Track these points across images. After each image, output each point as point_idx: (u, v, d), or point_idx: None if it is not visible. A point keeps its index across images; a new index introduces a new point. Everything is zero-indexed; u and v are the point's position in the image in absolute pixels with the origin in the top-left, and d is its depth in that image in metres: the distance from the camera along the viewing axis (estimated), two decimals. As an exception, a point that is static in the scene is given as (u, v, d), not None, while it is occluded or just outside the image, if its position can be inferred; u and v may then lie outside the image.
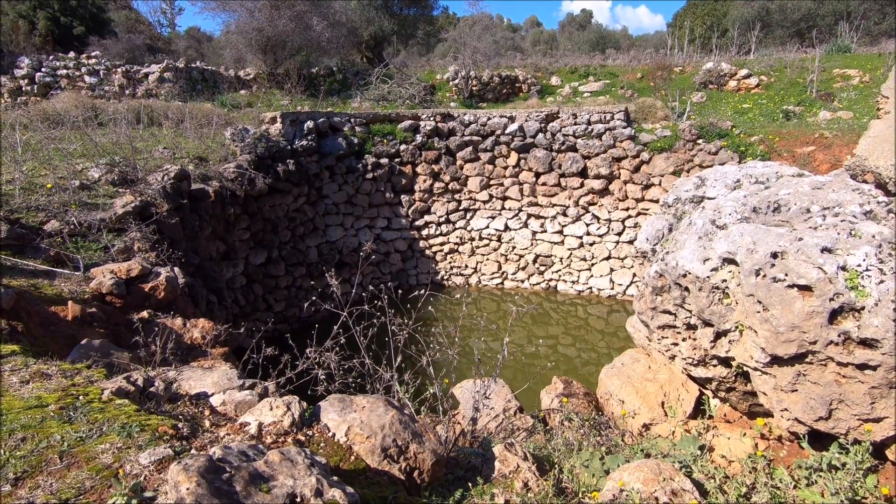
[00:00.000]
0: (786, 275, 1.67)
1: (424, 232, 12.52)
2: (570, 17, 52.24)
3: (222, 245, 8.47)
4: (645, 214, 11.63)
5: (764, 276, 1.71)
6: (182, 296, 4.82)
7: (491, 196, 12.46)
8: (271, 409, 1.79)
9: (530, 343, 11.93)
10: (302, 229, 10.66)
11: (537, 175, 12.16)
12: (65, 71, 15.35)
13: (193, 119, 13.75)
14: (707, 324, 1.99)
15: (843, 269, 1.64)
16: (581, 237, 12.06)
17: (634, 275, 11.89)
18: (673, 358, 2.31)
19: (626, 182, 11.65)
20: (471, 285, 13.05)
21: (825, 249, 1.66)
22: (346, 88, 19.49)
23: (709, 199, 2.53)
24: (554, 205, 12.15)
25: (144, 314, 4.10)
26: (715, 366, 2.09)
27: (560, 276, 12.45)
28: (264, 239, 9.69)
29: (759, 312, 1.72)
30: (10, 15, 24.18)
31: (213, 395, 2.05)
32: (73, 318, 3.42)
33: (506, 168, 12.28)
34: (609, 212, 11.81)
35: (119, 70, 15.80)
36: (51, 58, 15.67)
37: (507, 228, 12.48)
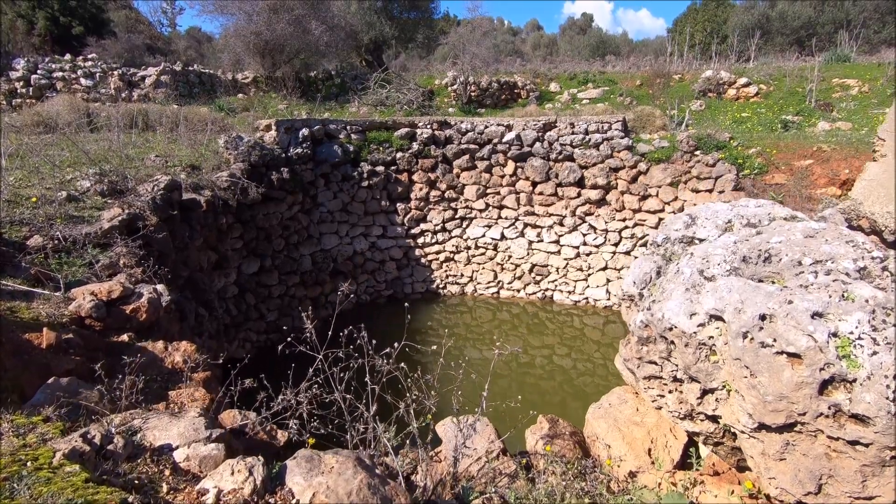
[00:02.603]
0: (774, 340, 1.59)
1: (420, 240, 12.44)
2: (571, 20, 52.30)
3: (214, 255, 8.37)
4: (642, 225, 11.56)
5: (752, 339, 1.63)
6: (167, 314, 4.72)
7: (487, 205, 12.37)
8: (233, 473, 1.69)
9: (526, 353, 11.84)
10: (296, 237, 10.57)
11: (534, 184, 12.08)
12: (61, 73, 15.25)
13: (188, 123, 13.68)
14: (693, 380, 1.91)
15: (835, 335, 1.56)
16: (577, 247, 11.98)
17: (631, 286, 11.80)
18: (660, 408, 2.23)
19: (623, 192, 11.57)
20: (466, 294, 12.97)
21: (816, 314, 1.58)
22: (344, 93, 19.42)
23: (699, 239, 2.45)
24: (550, 214, 12.07)
25: (125, 337, 4.01)
26: (702, 420, 2.01)
27: (556, 285, 12.37)
28: (258, 248, 9.59)
29: (746, 378, 1.64)
30: (9, 14, 24.11)
31: (177, 447, 1.96)
32: (48, 346, 3.33)
33: (503, 177, 12.20)
34: (606, 222, 11.73)
35: (115, 73, 15.71)
36: (46, 60, 15.58)
37: (503, 237, 12.40)
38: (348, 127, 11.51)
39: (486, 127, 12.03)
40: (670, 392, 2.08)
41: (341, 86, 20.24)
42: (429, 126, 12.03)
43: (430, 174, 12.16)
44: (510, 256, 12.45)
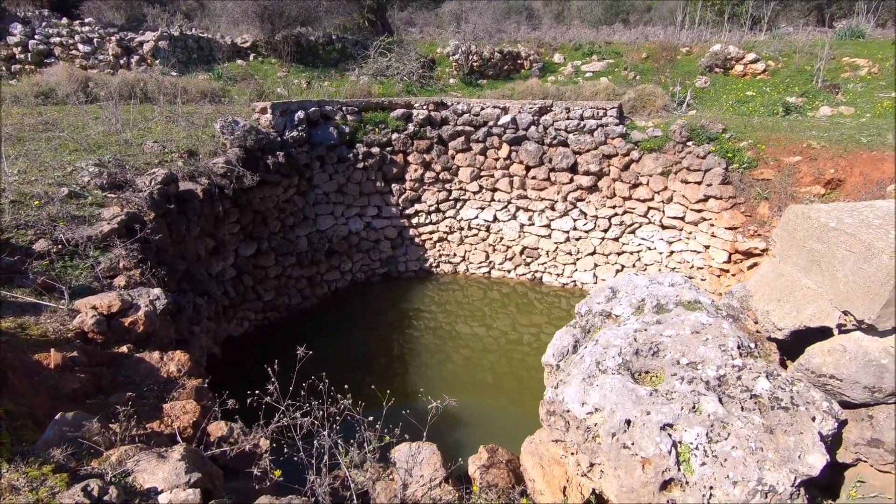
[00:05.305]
0: (633, 444, 1.96)
1: (414, 220, 12.74)
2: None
3: (211, 241, 8.75)
4: (631, 213, 11.78)
5: (617, 439, 2.00)
6: (164, 319, 5.15)
7: (481, 187, 12.57)
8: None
9: (514, 330, 12.37)
10: (292, 219, 10.90)
11: (528, 168, 12.23)
12: (58, 38, 15.18)
13: (187, 94, 13.74)
14: (584, 453, 2.30)
15: (680, 442, 1.92)
16: (568, 232, 12.26)
17: (617, 271, 12.17)
18: (566, 462, 2.65)
19: (614, 180, 11.72)
20: (458, 273, 13.38)
21: (666, 425, 1.93)
22: (345, 59, 19.13)
23: (615, 315, 2.79)
24: (542, 199, 12.28)
25: (124, 349, 4.45)
26: (595, 480, 2.43)
27: (545, 268, 12.74)
28: (254, 231, 9.95)
29: (612, 469, 2.02)
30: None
31: (162, 491, 2.40)
32: (56, 366, 3.77)
33: (497, 160, 12.33)
34: (596, 209, 11.95)
35: (113, 38, 15.60)
36: (44, 24, 15.44)
37: (495, 220, 12.67)
38: (344, 108, 11.59)
39: (483, 109, 12.06)
40: (572, 454, 2.49)
41: (342, 51, 19.88)
42: (425, 107, 12.07)
43: (426, 155, 12.31)
44: (502, 238, 12.76)
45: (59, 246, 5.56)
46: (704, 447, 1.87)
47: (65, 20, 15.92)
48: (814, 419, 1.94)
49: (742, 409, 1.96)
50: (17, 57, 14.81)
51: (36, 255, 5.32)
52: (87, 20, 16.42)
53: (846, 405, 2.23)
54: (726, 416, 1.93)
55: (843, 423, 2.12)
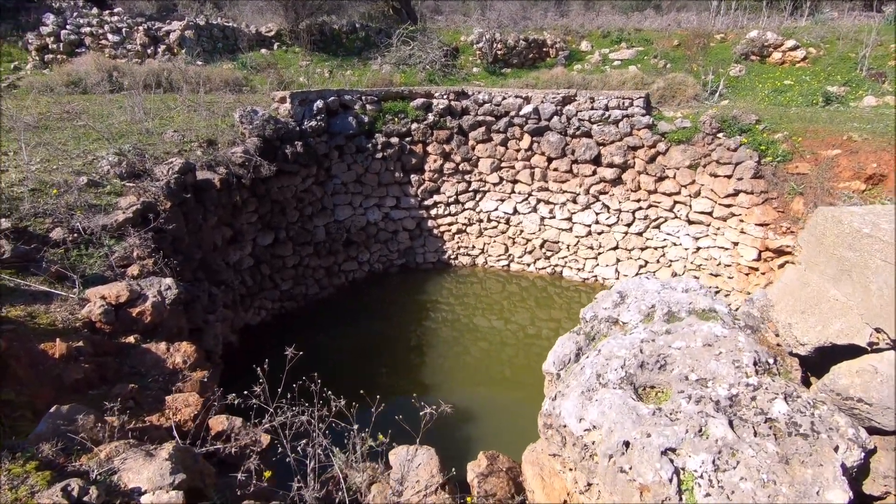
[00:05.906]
0: (630, 468, 1.79)
1: (433, 211, 12.60)
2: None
3: (229, 230, 8.81)
4: (656, 207, 11.37)
5: (614, 462, 1.84)
6: (174, 308, 5.15)
7: (501, 179, 12.34)
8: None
9: (533, 325, 12.18)
10: (310, 209, 10.90)
11: (549, 160, 11.92)
12: (89, 28, 15.50)
13: (210, 83, 13.88)
14: (580, 471, 2.15)
15: (683, 469, 1.75)
16: (589, 226, 11.94)
17: (640, 266, 11.81)
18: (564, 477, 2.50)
19: (639, 172, 11.32)
20: (477, 266, 13.22)
21: (668, 450, 1.76)
22: (368, 48, 19.01)
23: (623, 322, 2.60)
24: (564, 191, 11.98)
25: (131, 339, 4.47)
26: (594, 500, 2.27)
27: (566, 262, 12.47)
28: (272, 220, 9.99)
29: (609, 494, 1.87)
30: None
31: (145, 492, 2.36)
32: (61, 356, 3.80)
33: (518, 151, 12.06)
34: (620, 202, 11.59)
35: (141, 28, 15.86)
36: (75, 14, 15.78)
37: (515, 212, 12.43)
38: (363, 97, 11.48)
39: (504, 98, 11.79)
40: (570, 470, 2.34)
41: (365, 39, 19.77)
42: (445, 97, 11.87)
43: (445, 146, 12.13)
44: (522, 231, 12.52)
45: (75, 234, 5.63)
46: (710, 476, 1.69)
47: (95, 10, 16.23)
48: (836, 449, 1.74)
49: (755, 434, 1.77)
50: (49, 47, 15.18)
51: (52, 244, 5.40)
52: (116, 10, 16.72)
53: (875, 431, 2.02)
54: (736, 443, 1.75)
55: (871, 453, 1.91)
